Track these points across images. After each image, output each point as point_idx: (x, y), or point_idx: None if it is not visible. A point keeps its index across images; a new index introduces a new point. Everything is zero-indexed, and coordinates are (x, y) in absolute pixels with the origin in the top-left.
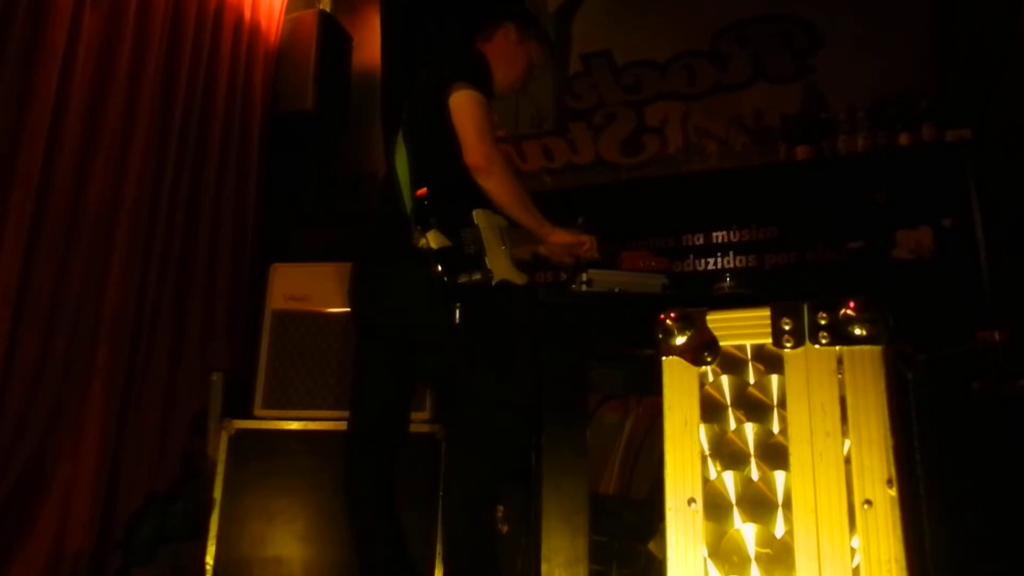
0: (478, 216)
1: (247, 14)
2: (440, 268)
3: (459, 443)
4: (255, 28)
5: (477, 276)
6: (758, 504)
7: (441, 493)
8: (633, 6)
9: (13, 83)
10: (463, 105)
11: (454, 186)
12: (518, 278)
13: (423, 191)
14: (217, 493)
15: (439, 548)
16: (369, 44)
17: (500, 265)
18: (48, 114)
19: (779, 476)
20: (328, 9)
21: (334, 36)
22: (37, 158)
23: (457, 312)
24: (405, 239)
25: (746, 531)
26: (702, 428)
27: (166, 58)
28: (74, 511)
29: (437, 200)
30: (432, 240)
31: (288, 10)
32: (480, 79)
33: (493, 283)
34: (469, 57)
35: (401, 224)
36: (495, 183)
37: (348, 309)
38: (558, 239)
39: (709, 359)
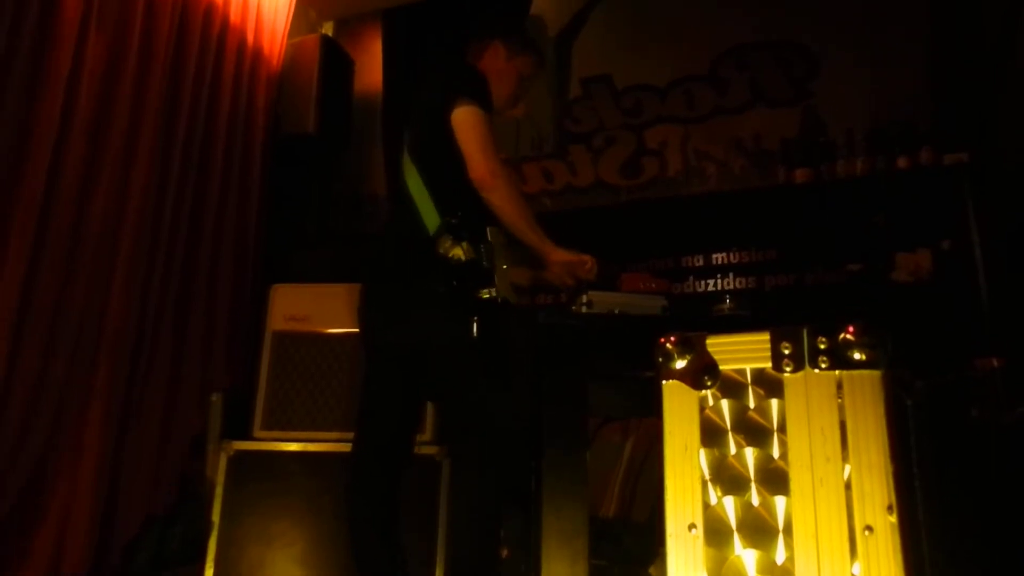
0: (491, 233)
1: (250, 38)
2: (465, 280)
3: (466, 464)
4: (258, 52)
5: (493, 291)
6: (759, 530)
7: (443, 513)
8: (633, 31)
9: (17, 106)
10: (465, 121)
11: (473, 202)
12: (513, 298)
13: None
14: (216, 515)
15: (439, 569)
16: (371, 68)
17: (502, 283)
18: (52, 137)
19: (779, 501)
20: (330, 34)
21: (336, 60)
22: (40, 180)
23: (475, 326)
24: (423, 257)
25: (747, 557)
26: (702, 453)
27: (169, 82)
28: (71, 533)
29: (465, 215)
30: (463, 252)
31: (290, 35)
32: (480, 95)
33: (499, 300)
34: (468, 74)
35: (418, 243)
36: (499, 198)
37: (349, 330)
38: (559, 258)
39: (709, 383)
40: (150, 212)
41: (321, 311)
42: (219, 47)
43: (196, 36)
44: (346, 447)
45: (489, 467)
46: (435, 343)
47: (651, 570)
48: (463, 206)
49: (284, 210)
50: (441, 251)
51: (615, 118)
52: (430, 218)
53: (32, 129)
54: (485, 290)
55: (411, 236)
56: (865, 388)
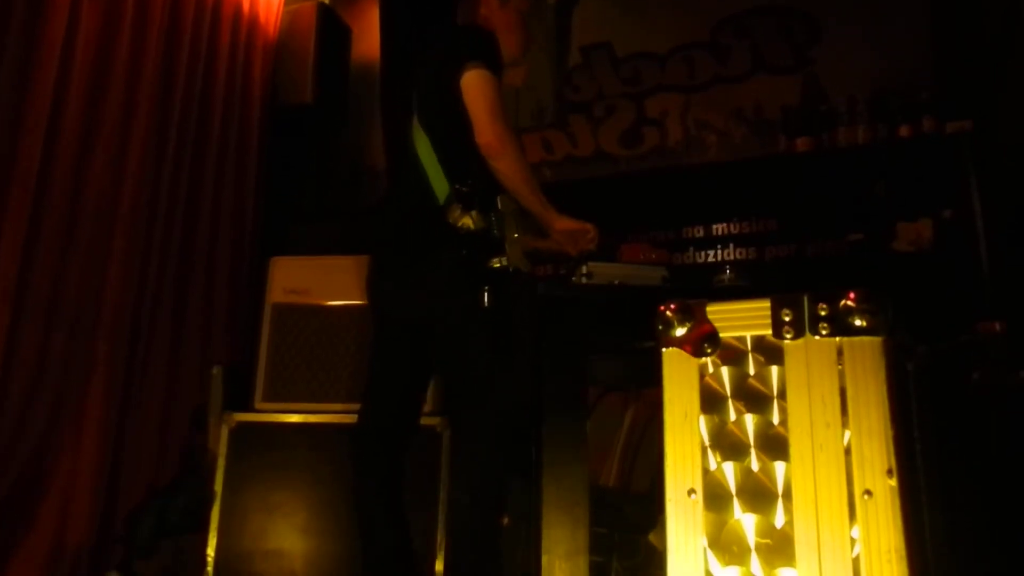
0: (501, 201)
1: (246, 6)
2: (476, 250)
3: (470, 436)
4: (254, 20)
5: (504, 261)
6: (758, 495)
7: (444, 484)
8: None
9: (12, 77)
10: (474, 85)
11: (484, 169)
12: (525, 266)
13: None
14: (218, 486)
15: (440, 540)
16: (368, 36)
17: (514, 252)
18: (47, 108)
19: (779, 467)
20: (327, 1)
21: (333, 28)
22: (36, 152)
23: (486, 295)
24: (434, 226)
25: (746, 521)
26: (702, 419)
27: (165, 50)
28: (75, 505)
29: (475, 184)
30: (473, 221)
31: (287, 2)
32: (489, 57)
33: (510, 269)
34: (476, 35)
35: (428, 211)
36: (506, 164)
37: (349, 302)
38: (563, 226)
39: (709, 350)
40: (148, 183)
41: (321, 283)
42: (215, 15)
43: (191, 3)
44: (347, 418)
45: (492, 441)
46: (444, 314)
47: (651, 537)
48: (473, 174)
49: (281, 184)
50: (451, 220)
51: (615, 87)
52: (439, 186)
53: (27, 100)
54: (496, 259)
55: (420, 205)
56: (866, 354)
